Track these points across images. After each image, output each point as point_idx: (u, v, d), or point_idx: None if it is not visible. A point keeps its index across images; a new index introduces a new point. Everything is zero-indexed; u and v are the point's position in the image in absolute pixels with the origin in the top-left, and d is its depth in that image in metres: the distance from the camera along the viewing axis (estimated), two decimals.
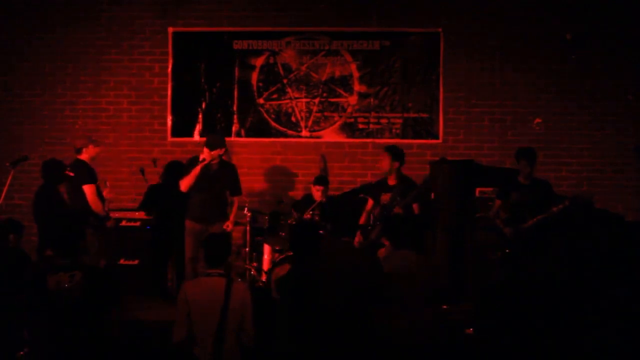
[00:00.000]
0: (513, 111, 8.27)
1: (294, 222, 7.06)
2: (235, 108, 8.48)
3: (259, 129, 8.47)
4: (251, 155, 8.37)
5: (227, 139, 7.61)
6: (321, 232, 5.01)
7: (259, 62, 8.46)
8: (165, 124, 8.51)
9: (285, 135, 8.47)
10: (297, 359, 4.45)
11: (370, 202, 7.25)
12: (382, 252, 5.82)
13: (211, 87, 8.49)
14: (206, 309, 4.61)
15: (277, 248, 7.34)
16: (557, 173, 8.09)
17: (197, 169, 6.76)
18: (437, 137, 8.32)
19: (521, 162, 6.84)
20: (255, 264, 7.53)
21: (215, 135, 7.42)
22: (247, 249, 7.61)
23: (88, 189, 6.77)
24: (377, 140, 8.33)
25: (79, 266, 4.54)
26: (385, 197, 7.05)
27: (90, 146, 6.97)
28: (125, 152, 8.42)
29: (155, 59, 8.50)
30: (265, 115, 8.48)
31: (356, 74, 8.40)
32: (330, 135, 8.44)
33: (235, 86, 8.48)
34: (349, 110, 8.42)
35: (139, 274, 7.46)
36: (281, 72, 8.47)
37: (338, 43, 8.40)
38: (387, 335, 4.66)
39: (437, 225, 7.03)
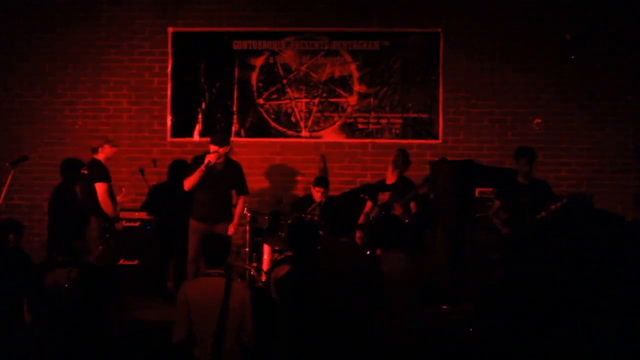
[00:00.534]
0: (513, 111, 8.26)
1: (293, 222, 7.05)
2: (235, 108, 8.48)
3: (259, 129, 8.47)
4: (251, 156, 8.36)
5: None
6: (321, 232, 4.98)
7: (259, 62, 8.46)
8: (165, 124, 8.51)
9: (285, 136, 8.46)
10: (297, 359, 4.45)
11: (369, 204, 7.27)
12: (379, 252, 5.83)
13: (211, 87, 8.49)
14: (206, 309, 4.60)
15: (276, 248, 7.33)
16: (557, 173, 8.09)
17: (201, 169, 6.69)
18: (437, 138, 8.31)
19: (520, 161, 6.84)
20: (255, 264, 7.53)
21: (222, 133, 7.43)
22: (247, 249, 7.61)
23: (99, 187, 6.75)
24: (376, 141, 8.33)
25: (76, 263, 4.54)
26: (384, 197, 7.06)
27: (106, 146, 6.96)
28: (124, 152, 8.38)
29: (155, 59, 8.50)
30: (265, 115, 8.47)
31: (356, 74, 8.39)
32: (330, 135, 8.43)
33: (235, 86, 8.48)
34: (349, 110, 8.41)
35: (139, 274, 7.46)
36: (281, 72, 8.46)
37: (338, 43, 8.39)
38: (387, 335, 4.66)
39: (437, 225, 7.04)
